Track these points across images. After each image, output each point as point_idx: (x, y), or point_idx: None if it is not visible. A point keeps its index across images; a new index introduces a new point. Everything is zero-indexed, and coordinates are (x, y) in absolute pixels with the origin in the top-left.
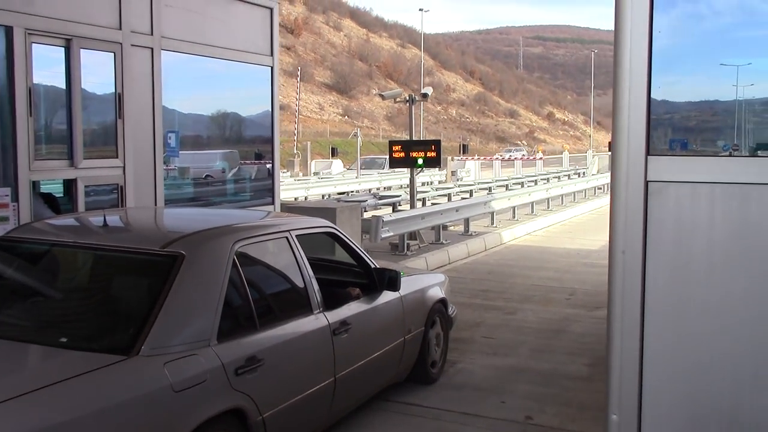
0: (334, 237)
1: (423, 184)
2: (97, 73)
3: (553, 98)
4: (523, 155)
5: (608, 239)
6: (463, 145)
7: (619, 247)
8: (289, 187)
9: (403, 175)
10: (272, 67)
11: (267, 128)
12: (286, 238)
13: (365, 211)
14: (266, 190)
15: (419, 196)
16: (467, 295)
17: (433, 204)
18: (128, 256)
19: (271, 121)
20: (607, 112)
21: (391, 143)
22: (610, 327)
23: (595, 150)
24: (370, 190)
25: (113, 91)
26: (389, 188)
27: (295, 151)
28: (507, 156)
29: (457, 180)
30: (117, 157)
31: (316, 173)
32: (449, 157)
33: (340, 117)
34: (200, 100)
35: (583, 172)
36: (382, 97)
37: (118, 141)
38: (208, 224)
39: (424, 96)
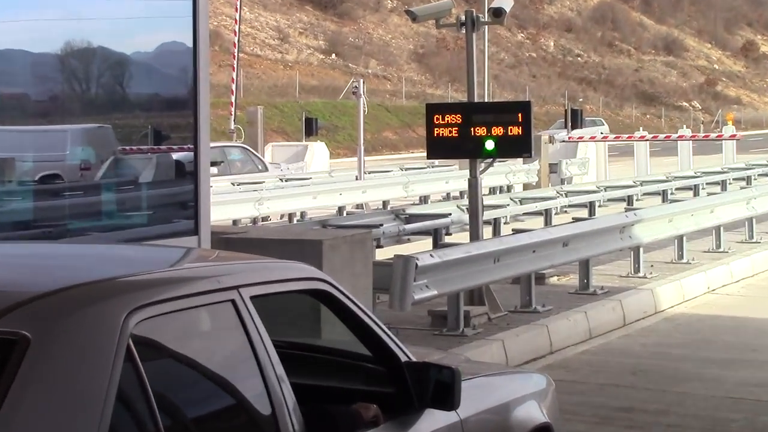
0: (325, 299)
1: (494, 191)
2: None
3: (755, 14)
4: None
5: None
6: (573, 111)
7: None
8: (225, 200)
9: (451, 174)
10: None
11: (180, 81)
12: (232, 302)
13: (380, 246)
14: (180, 206)
15: (488, 215)
16: (591, 419)
17: (515, 232)
18: None
19: (194, 66)
20: None
21: (431, 108)
22: None
23: None
24: (386, 204)
25: None
26: (426, 200)
27: (232, 127)
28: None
29: (562, 181)
30: None
31: (275, 167)
32: (545, 136)
33: (322, 57)
34: (32, 25)
35: None
36: (412, 16)
37: None
38: (77, 276)
39: (497, 14)
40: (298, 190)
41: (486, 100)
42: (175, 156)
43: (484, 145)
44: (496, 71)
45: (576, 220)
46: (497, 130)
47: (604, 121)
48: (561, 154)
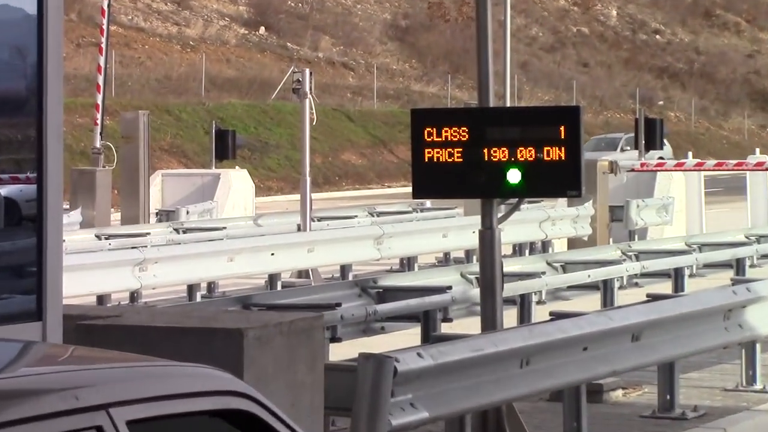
0: (247, 425)
1: (520, 250)
2: None
3: None
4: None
5: None
6: (649, 121)
7: None
8: (88, 263)
9: (452, 223)
10: None
11: (13, 69)
12: (98, 429)
13: (337, 339)
14: (13, 273)
15: (511, 290)
16: None
17: (555, 318)
18: None
19: (38, 44)
20: None
21: (419, 116)
22: None
23: None
24: (346, 270)
25: None
26: (411, 264)
27: (98, 144)
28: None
29: (632, 235)
30: None
31: (165, 214)
32: (603, 161)
33: (245, 32)
34: None
35: None
36: None
37: None
38: None
39: None
40: (204, 248)
41: (509, 104)
42: (2, 191)
43: (504, 176)
44: (525, 56)
45: (653, 298)
46: (526, 153)
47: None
48: (629, 192)
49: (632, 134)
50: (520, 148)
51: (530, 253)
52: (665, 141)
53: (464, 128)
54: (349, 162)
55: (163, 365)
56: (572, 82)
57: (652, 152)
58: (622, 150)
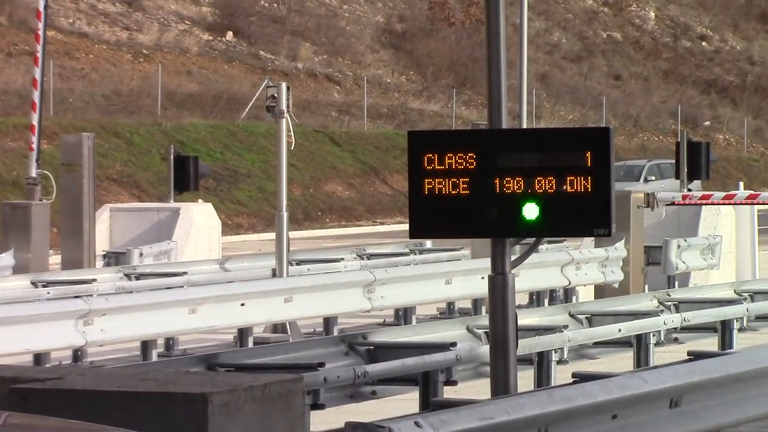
0: None
1: (538, 299)
2: None
3: None
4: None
5: None
6: (693, 145)
7: None
8: (23, 315)
9: (457, 267)
10: None
11: None
12: None
13: (319, 406)
14: None
15: (527, 346)
16: None
17: (579, 380)
18: None
19: None
20: None
21: (417, 140)
22: None
23: None
24: (330, 324)
25: None
26: (408, 316)
27: (33, 173)
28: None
29: (671, 281)
30: None
31: (114, 257)
32: (638, 193)
33: (209, 38)
34: None
35: None
36: None
37: None
38: None
39: None
40: (161, 297)
41: (525, 125)
42: None
43: (520, 211)
44: (546, 66)
45: (695, 356)
46: (545, 184)
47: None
48: (669, 230)
49: (657, 161)
50: (538, 178)
51: (550, 303)
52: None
53: (472, 154)
54: (333, 194)
55: None
56: (601, 98)
57: (696, 182)
58: (646, 180)
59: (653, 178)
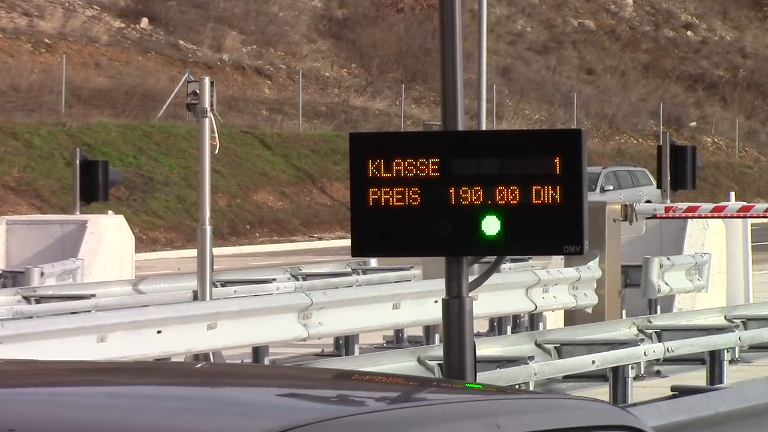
0: None
1: (499, 326)
2: None
3: None
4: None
5: None
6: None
7: None
8: None
9: (406, 289)
10: None
11: None
12: None
13: None
14: None
15: (490, 381)
16: None
17: None
18: None
19: None
20: None
21: (359, 142)
22: None
23: None
24: (260, 354)
25: None
26: (349, 346)
27: None
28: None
29: (652, 305)
30: None
31: (11, 277)
32: (614, 204)
33: (120, 25)
34: None
35: None
36: None
37: None
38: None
39: None
40: (66, 323)
41: (485, 126)
42: None
43: (479, 226)
44: (508, 59)
45: (681, 392)
46: (508, 194)
47: (650, 175)
48: (650, 246)
49: (613, 167)
50: (499, 188)
51: (513, 331)
52: (648, 175)
53: (423, 160)
54: (264, 205)
55: (557, 398)
56: (572, 95)
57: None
58: (603, 190)
59: (610, 187)
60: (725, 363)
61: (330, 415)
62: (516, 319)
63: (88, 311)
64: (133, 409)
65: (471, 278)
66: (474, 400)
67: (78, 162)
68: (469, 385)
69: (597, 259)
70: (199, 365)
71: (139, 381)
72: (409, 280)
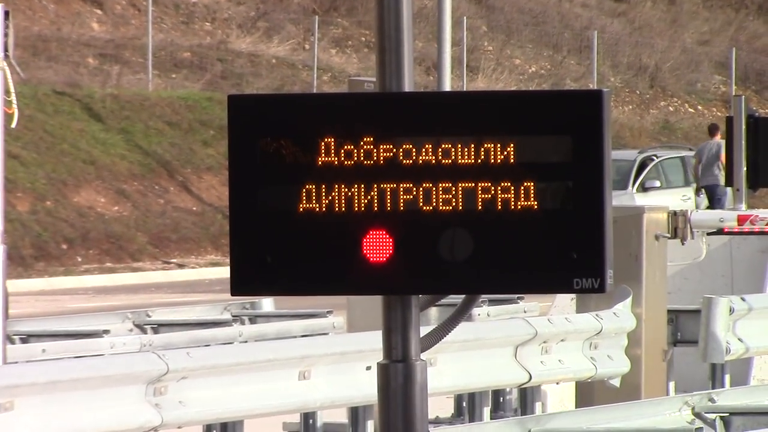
0: None
1: (472, 408)
2: None
3: None
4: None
5: None
6: (756, 124)
7: None
8: None
9: (315, 352)
10: None
11: None
12: None
13: None
14: None
15: None
16: None
17: None
18: None
19: None
20: None
21: (241, 105)
22: None
23: None
24: None
25: None
26: None
27: None
28: None
29: (716, 372)
30: None
31: None
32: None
33: None
34: None
35: None
36: None
37: None
38: None
39: None
40: None
41: (448, 85)
42: None
43: (436, 245)
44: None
45: None
46: (485, 195)
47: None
48: (713, 281)
49: (659, 151)
50: (470, 184)
51: (494, 415)
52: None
53: (348, 139)
54: (91, 211)
55: None
56: (590, 34)
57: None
58: (644, 188)
59: (656, 184)
60: None
61: None
62: (499, 396)
63: None
64: None
65: (425, 330)
66: None
67: None
68: None
69: (629, 300)
70: None
71: None
72: (326, 334)
